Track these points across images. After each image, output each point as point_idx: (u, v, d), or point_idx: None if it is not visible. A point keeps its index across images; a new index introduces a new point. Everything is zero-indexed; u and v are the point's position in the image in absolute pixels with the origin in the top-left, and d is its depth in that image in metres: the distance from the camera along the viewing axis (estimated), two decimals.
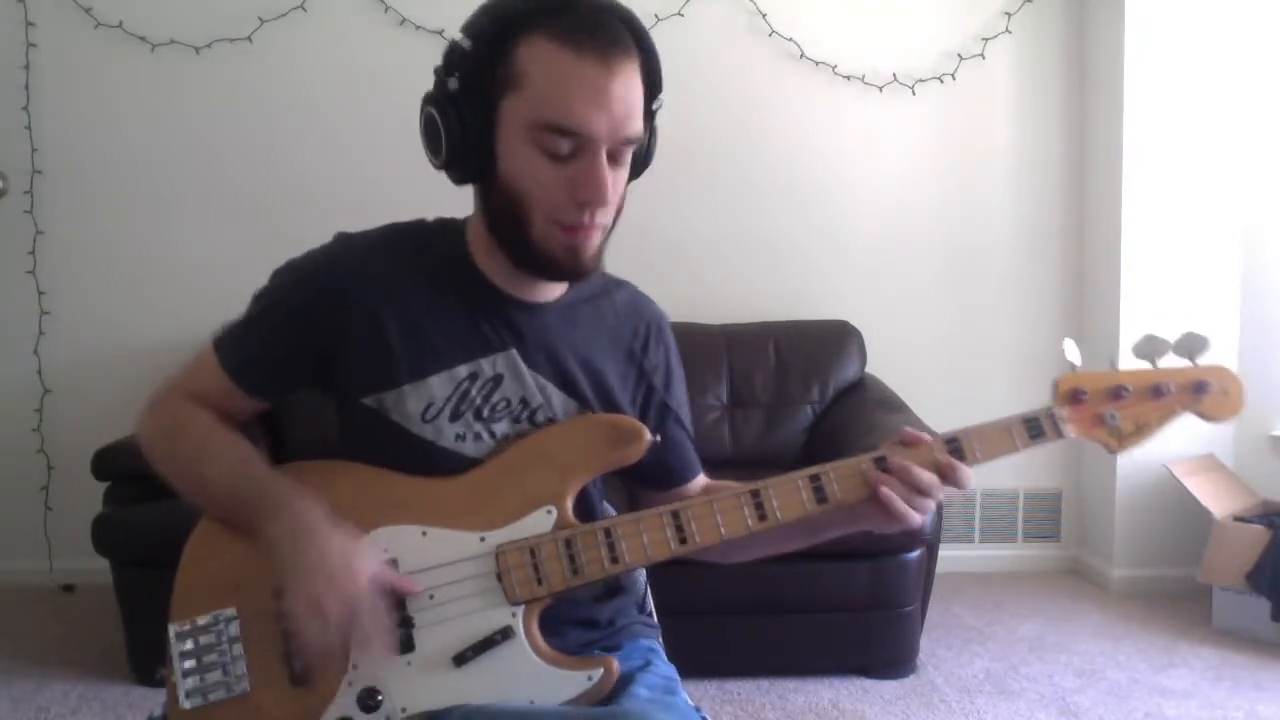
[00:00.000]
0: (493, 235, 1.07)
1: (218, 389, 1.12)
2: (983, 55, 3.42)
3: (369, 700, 1.01)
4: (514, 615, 1.03)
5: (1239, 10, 3.20)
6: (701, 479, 1.25)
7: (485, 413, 1.09)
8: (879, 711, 2.40)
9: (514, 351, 1.10)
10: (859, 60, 3.39)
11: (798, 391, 3.14)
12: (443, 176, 1.08)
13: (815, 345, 3.19)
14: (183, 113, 3.28)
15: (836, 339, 3.21)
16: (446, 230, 1.15)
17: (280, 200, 3.29)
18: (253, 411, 1.15)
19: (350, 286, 1.09)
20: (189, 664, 1.03)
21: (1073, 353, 1.10)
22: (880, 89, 3.40)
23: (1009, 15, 3.41)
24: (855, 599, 2.51)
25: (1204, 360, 1.08)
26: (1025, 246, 3.51)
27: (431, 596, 1.03)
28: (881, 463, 1.06)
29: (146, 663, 2.47)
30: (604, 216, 1.03)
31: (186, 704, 1.02)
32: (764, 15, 3.35)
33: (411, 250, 1.12)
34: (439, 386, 1.08)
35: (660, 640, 1.25)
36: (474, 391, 1.09)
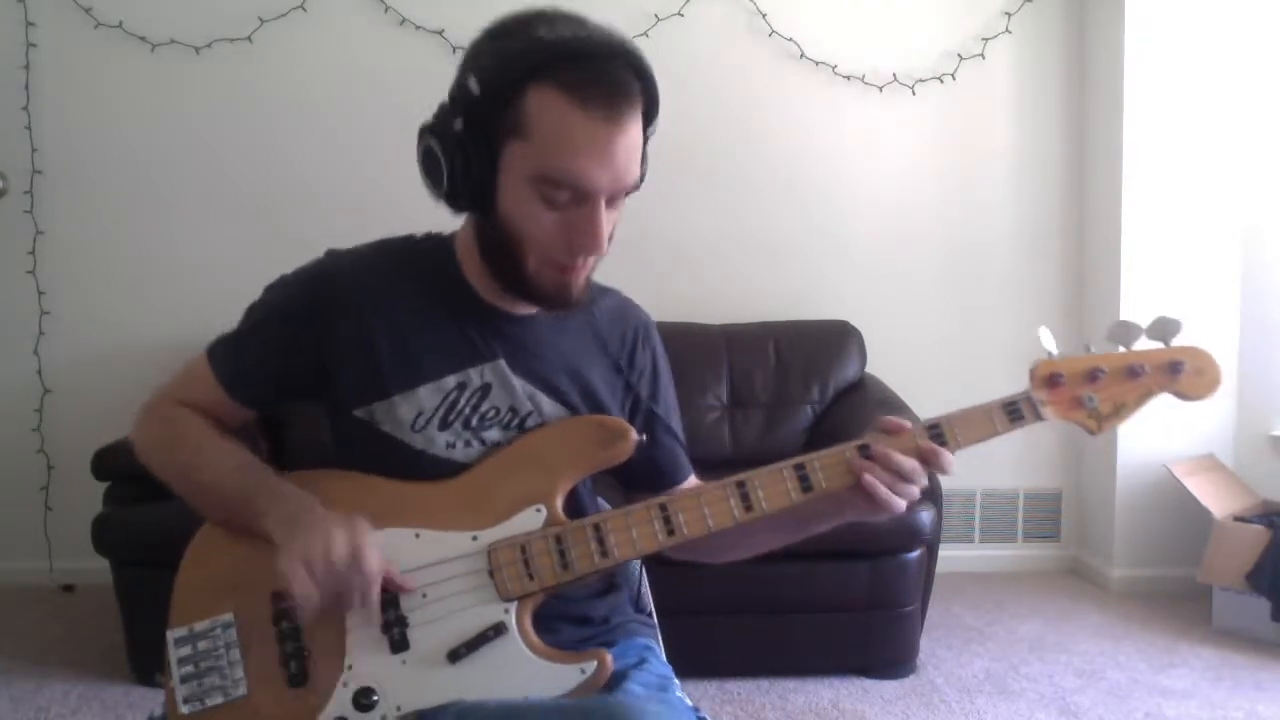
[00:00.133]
0: (485, 260, 1.09)
1: (210, 399, 1.15)
2: (983, 55, 3.42)
3: (364, 700, 1.01)
4: (507, 611, 1.03)
5: (1239, 10, 3.19)
6: (693, 480, 1.26)
7: (474, 422, 1.11)
8: (879, 711, 2.40)
9: (501, 361, 1.12)
10: (859, 60, 3.39)
11: (798, 391, 3.14)
12: None
13: (815, 345, 3.19)
14: (183, 113, 3.29)
15: (836, 339, 3.21)
16: (435, 245, 1.17)
17: (280, 200, 3.29)
18: (242, 420, 1.17)
19: (341, 300, 1.11)
20: (187, 669, 1.04)
21: (1048, 340, 1.12)
22: (880, 89, 3.40)
23: (1009, 15, 3.41)
24: (855, 599, 2.51)
25: (1177, 343, 1.10)
26: (1025, 246, 3.50)
27: (425, 595, 1.04)
28: (865, 450, 1.07)
29: (146, 663, 2.47)
30: (597, 258, 1.07)
31: (185, 709, 1.04)
32: (764, 15, 3.35)
33: (401, 264, 1.15)
34: (427, 397, 1.10)
35: (658, 639, 1.25)
36: (462, 401, 1.11)
